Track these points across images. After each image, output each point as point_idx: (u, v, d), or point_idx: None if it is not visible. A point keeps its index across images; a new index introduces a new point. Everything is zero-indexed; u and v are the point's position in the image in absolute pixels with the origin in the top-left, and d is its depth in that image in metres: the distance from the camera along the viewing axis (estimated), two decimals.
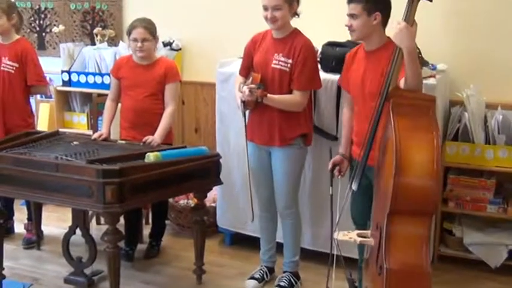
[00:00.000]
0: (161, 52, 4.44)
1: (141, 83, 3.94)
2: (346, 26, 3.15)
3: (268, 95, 3.40)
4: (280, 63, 3.45)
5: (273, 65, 3.46)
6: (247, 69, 3.65)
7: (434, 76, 3.76)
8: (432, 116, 2.61)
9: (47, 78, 4.53)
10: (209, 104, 4.82)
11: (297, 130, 3.52)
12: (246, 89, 3.38)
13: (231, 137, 4.12)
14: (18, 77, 4.21)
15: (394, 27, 2.74)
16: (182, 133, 5.00)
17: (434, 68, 3.87)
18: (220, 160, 3.65)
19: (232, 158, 4.08)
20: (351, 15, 3.11)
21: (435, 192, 2.50)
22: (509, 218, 3.90)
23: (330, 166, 3.40)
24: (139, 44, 3.87)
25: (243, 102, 3.43)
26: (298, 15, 3.47)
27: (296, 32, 3.49)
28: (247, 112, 3.55)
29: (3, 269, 3.68)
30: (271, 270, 3.85)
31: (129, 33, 3.93)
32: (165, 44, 4.76)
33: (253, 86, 3.39)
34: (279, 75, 3.45)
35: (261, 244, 3.86)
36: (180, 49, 4.86)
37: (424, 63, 3.76)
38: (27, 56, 4.22)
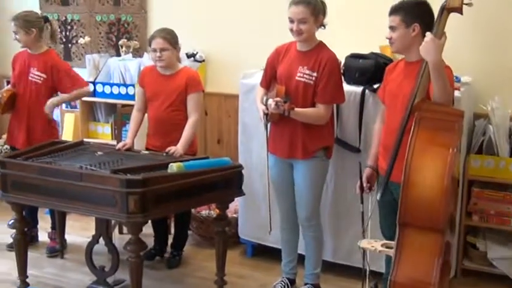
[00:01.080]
0: (185, 63, 4.46)
1: (162, 93, 3.97)
2: (386, 38, 3.14)
3: (296, 108, 3.37)
4: (305, 76, 3.44)
5: (297, 78, 3.46)
6: (269, 81, 3.64)
7: (458, 89, 3.72)
8: (457, 132, 2.53)
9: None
10: (232, 116, 4.84)
11: (319, 143, 3.51)
12: (272, 102, 3.35)
13: (254, 148, 4.12)
14: (45, 88, 4.25)
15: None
16: (205, 144, 5.02)
17: (458, 81, 3.83)
18: (243, 171, 3.65)
19: (254, 169, 4.08)
20: (391, 27, 3.09)
21: (444, 209, 2.42)
22: None
23: (364, 182, 3.32)
24: (158, 54, 3.91)
25: (266, 114, 3.41)
26: (324, 27, 3.47)
27: (321, 46, 3.49)
28: (269, 124, 3.53)
29: (27, 277, 3.72)
30: (292, 282, 3.83)
31: (149, 43, 3.98)
32: (188, 56, 4.79)
33: (279, 99, 3.36)
34: (303, 88, 3.45)
35: (283, 256, 3.85)
36: (204, 60, 4.88)
37: None
38: (58, 68, 4.25)
